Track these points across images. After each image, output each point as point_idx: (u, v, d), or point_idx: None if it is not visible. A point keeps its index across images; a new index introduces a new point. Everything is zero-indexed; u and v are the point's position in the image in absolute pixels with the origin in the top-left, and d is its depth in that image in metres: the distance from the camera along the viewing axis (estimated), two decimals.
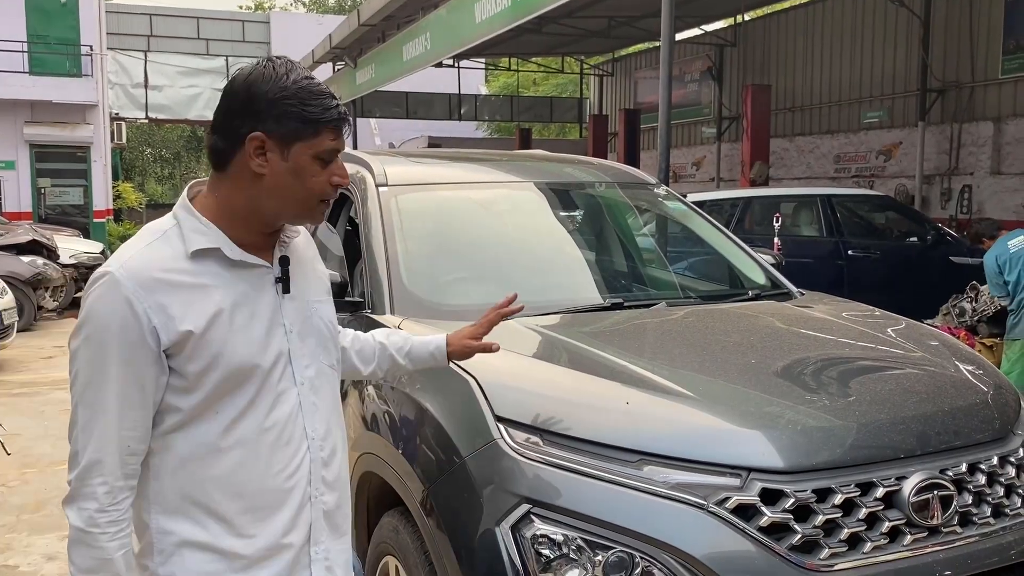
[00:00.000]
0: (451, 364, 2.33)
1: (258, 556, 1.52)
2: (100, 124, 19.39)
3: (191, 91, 28.42)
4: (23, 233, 10.90)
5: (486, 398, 2.17)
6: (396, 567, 2.41)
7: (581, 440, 2.05)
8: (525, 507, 1.97)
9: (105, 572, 1.42)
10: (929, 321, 6.48)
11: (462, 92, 24.19)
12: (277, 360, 1.53)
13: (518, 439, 2.08)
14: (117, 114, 24.68)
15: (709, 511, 1.91)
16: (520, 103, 25.81)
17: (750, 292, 3.34)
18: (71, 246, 12.30)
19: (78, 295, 12.00)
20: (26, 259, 10.51)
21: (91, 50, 19.17)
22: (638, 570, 1.89)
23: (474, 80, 27.56)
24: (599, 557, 1.91)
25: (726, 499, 1.92)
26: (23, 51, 18.40)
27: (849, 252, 8.43)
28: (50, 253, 11.08)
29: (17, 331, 9.93)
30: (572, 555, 1.93)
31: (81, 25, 18.83)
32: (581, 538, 1.93)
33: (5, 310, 8.29)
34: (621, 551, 1.90)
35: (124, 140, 24.87)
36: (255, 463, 1.50)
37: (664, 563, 1.88)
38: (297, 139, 1.46)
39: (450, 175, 3.81)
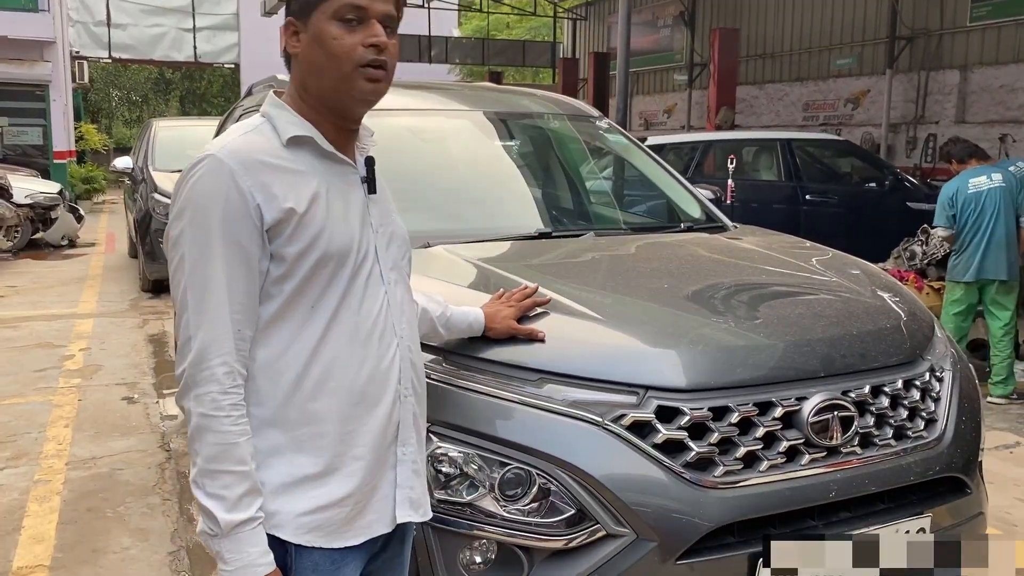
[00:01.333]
0: None
1: (351, 456, 1.49)
2: (59, 62, 18.83)
3: (155, 30, 27.67)
4: None
5: None
6: None
7: (483, 360, 2.04)
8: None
9: (229, 460, 1.38)
10: (881, 264, 6.51)
11: (432, 34, 23.77)
12: (367, 255, 1.52)
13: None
14: (78, 52, 24.02)
15: (605, 428, 1.91)
16: (492, 46, 25.44)
17: (683, 224, 3.33)
18: (27, 186, 12.02)
19: (35, 236, 11.79)
20: None
21: None
22: (535, 487, 1.90)
23: (446, 22, 27.08)
24: (496, 474, 1.91)
25: (621, 416, 1.92)
26: None
27: (807, 197, 8.44)
28: (2, 192, 10.85)
29: None
30: (471, 472, 1.93)
31: None
32: (479, 455, 1.93)
33: None
34: (518, 468, 1.91)
35: (87, 80, 24.25)
36: (351, 354, 1.48)
37: (559, 479, 1.89)
38: (312, 8, 1.47)
39: (389, 102, 3.71)
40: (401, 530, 1.61)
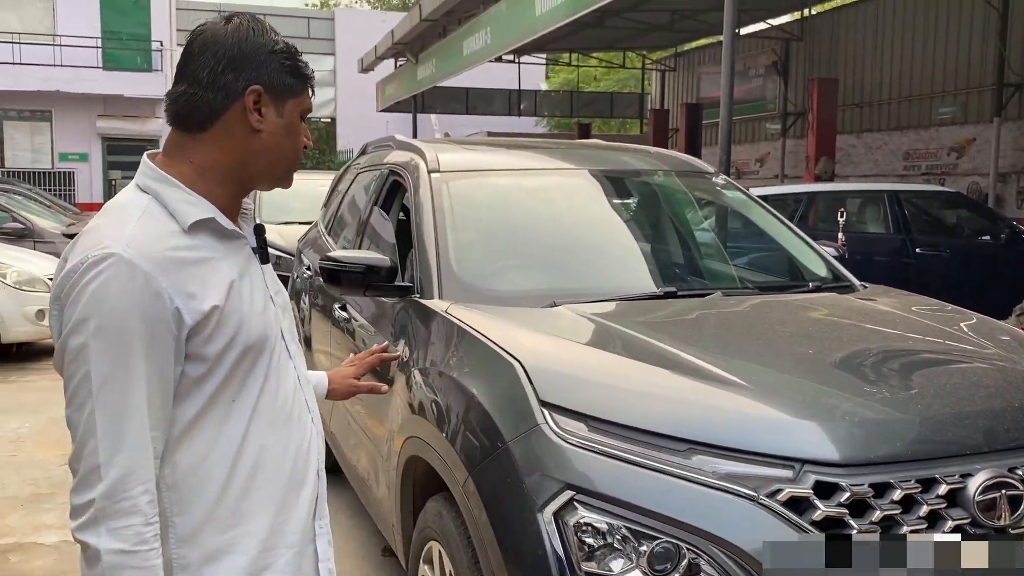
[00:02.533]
0: (496, 347, 2.32)
1: (283, 546, 1.44)
2: None
3: None
4: None
5: (531, 382, 2.12)
6: (440, 552, 2.39)
7: (628, 427, 1.99)
8: (568, 494, 1.92)
9: None
10: (1002, 322, 6.23)
11: (522, 88, 24.18)
12: (276, 333, 1.45)
13: (563, 425, 2.03)
14: None
15: (760, 503, 1.84)
16: (580, 98, 25.70)
17: (810, 284, 3.24)
18: None
19: None
20: None
21: (161, 45, 19.69)
22: (684, 562, 1.83)
23: (534, 76, 27.54)
24: (644, 547, 1.85)
25: (778, 491, 1.84)
26: (97, 47, 18.96)
27: (917, 250, 8.17)
28: None
29: None
30: (616, 545, 1.87)
31: (152, 21, 19.35)
32: (626, 527, 1.87)
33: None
34: (667, 542, 1.84)
35: None
36: (276, 441, 1.43)
37: (712, 555, 1.82)
38: (291, 95, 1.42)
39: (503, 162, 3.78)
40: None
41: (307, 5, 39.86)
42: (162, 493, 1.33)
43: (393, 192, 3.76)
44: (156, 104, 19.50)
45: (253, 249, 1.47)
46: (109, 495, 1.24)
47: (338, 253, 3.07)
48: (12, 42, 19.19)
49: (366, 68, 22.52)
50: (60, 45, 18.77)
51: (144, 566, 1.25)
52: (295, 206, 9.51)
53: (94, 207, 17.60)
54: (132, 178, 1.44)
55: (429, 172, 3.31)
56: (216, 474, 1.36)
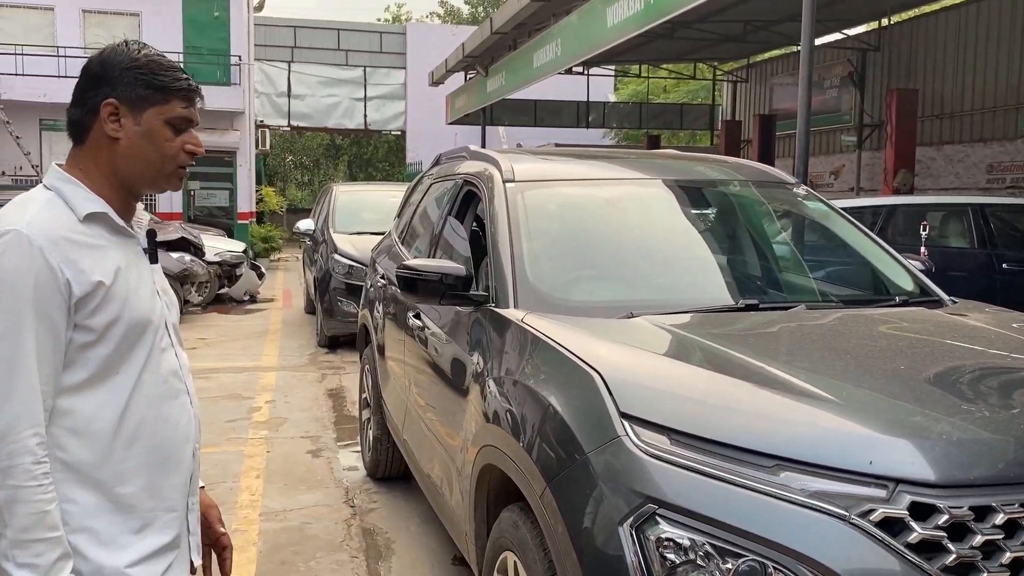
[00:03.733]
0: (574, 358, 2.29)
1: (162, 509, 1.61)
2: (246, 131, 20.42)
3: (330, 100, 29.60)
4: (173, 231, 11.53)
5: (611, 394, 2.09)
6: (515, 563, 2.37)
7: (712, 442, 1.94)
8: (650, 507, 1.88)
9: (42, 528, 1.42)
10: None
11: (590, 100, 24.11)
12: (160, 321, 1.63)
13: (644, 437, 1.99)
14: (262, 122, 25.94)
15: (851, 523, 1.77)
16: (649, 110, 25.48)
17: (897, 298, 3.14)
18: (216, 245, 12.93)
19: (221, 291, 12.64)
20: (175, 255, 11.13)
21: (239, 60, 20.24)
22: None
23: (603, 88, 27.45)
24: (728, 565, 1.80)
25: (871, 511, 1.77)
26: (180, 62, 19.55)
27: (1003, 265, 7.86)
28: (197, 251, 11.69)
29: None
30: (700, 561, 1.82)
31: (231, 37, 19.90)
32: (709, 543, 1.82)
33: None
34: (752, 560, 1.79)
35: (268, 147, 26.10)
36: (156, 415, 1.59)
37: (798, 575, 1.75)
38: (149, 104, 1.57)
39: (577, 172, 3.76)
40: None
41: (380, 20, 40.61)
42: (51, 451, 1.48)
43: (467, 202, 3.77)
44: (235, 116, 20.03)
45: (144, 249, 1.66)
46: (5, 436, 1.41)
47: (415, 262, 3.09)
48: None
49: (436, 81, 22.75)
50: None
51: (32, 499, 1.41)
52: (366, 217, 9.66)
53: (173, 216, 18.14)
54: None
55: (504, 182, 3.31)
56: (101, 437, 1.53)
